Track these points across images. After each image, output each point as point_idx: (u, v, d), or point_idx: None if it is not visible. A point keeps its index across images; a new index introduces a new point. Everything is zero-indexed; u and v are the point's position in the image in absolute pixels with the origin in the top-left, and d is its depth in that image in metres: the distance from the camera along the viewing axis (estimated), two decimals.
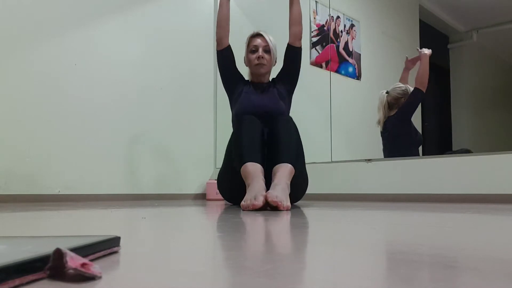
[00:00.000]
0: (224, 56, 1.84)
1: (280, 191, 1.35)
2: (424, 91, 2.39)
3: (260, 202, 1.29)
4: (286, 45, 1.85)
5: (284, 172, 1.47)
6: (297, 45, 1.82)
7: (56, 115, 2.21)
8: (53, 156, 2.18)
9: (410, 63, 2.65)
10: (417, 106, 2.49)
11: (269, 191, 1.36)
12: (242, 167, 1.49)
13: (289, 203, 1.33)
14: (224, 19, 1.81)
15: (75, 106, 2.29)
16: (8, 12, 2.09)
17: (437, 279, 0.31)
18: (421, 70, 2.43)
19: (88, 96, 2.34)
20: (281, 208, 1.28)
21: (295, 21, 1.81)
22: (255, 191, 1.35)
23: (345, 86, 2.97)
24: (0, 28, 2.06)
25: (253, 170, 1.47)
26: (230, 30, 1.85)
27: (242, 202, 1.37)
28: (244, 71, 1.96)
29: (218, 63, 1.88)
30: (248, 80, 1.93)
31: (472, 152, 2.30)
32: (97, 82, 2.39)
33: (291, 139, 1.58)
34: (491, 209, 1.40)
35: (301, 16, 1.83)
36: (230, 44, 1.86)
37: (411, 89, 2.51)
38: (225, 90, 1.92)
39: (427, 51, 2.44)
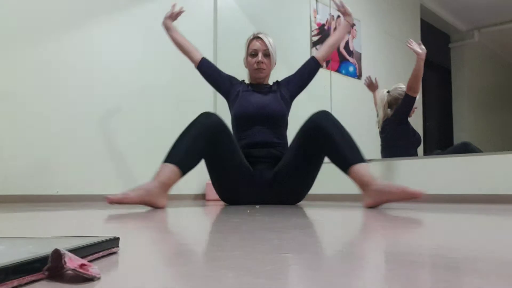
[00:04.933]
0: (203, 71, 1.88)
1: (390, 185, 1.34)
2: (416, 95, 2.29)
3: (115, 198, 1.27)
4: (310, 58, 1.89)
5: (366, 170, 1.43)
6: (321, 64, 1.88)
7: (55, 115, 2.21)
8: (52, 156, 2.18)
9: (370, 86, 2.66)
10: (410, 110, 2.41)
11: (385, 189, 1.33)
12: (160, 165, 1.45)
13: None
14: (181, 46, 1.90)
15: (75, 106, 2.29)
16: (7, 11, 2.08)
17: (438, 280, 0.30)
18: (413, 75, 2.22)
19: (88, 96, 2.34)
20: (418, 195, 1.29)
21: (334, 46, 1.88)
22: (136, 190, 1.34)
23: (345, 86, 2.97)
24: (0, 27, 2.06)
25: (161, 171, 1.42)
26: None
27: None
28: (243, 72, 1.96)
29: (203, 77, 1.90)
30: (243, 81, 1.93)
31: (472, 145, 2.27)
32: (97, 82, 2.38)
33: (346, 137, 1.50)
34: (491, 209, 1.40)
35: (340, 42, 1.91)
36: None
37: None
38: (222, 95, 1.93)
39: (420, 50, 2.14)
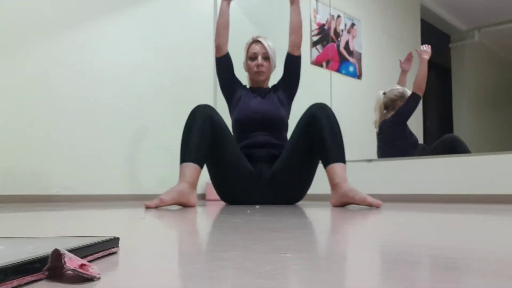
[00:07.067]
0: (223, 64, 1.84)
1: (355, 191, 1.41)
2: (422, 95, 2.39)
3: (152, 204, 1.36)
4: (286, 53, 1.84)
5: (341, 172, 1.49)
6: (296, 54, 1.81)
7: (54, 115, 2.21)
8: (51, 156, 2.18)
9: (405, 65, 2.66)
10: (414, 111, 2.48)
11: (343, 192, 1.43)
12: (180, 165, 1.53)
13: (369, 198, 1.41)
14: (224, 26, 1.80)
15: (74, 105, 2.29)
16: (6, 11, 2.08)
17: (438, 280, 0.30)
18: (419, 75, 2.38)
19: (87, 96, 2.34)
20: (376, 205, 1.37)
21: (294, 30, 1.79)
22: (168, 192, 1.42)
23: (345, 86, 2.97)
24: None
25: (184, 172, 1.50)
26: (230, 34, 1.85)
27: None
28: (243, 75, 1.96)
29: (216, 70, 1.87)
30: (245, 86, 1.93)
31: (458, 139, 2.35)
32: (96, 81, 2.38)
33: (335, 134, 1.56)
34: (491, 209, 1.40)
35: (301, 25, 1.80)
36: (230, 50, 1.86)
37: (409, 92, 2.50)
38: (224, 96, 1.92)
39: (426, 56, 2.35)
